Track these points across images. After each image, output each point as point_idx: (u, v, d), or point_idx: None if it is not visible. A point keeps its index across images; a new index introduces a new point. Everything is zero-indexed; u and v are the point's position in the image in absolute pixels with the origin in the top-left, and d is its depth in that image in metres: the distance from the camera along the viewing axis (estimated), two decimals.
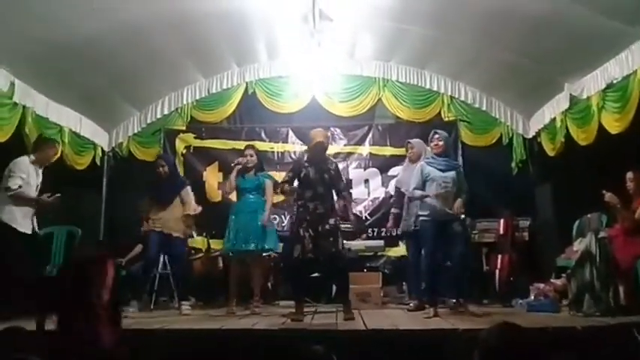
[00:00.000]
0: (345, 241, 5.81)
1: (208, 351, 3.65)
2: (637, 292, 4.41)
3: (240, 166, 5.48)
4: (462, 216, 5.05)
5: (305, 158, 5.10)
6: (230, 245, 5.36)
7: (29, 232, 5.02)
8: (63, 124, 6.33)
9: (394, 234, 7.22)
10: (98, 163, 7.27)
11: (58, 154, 5.84)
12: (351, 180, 7.52)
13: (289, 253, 4.89)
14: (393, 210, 6.13)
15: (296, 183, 4.99)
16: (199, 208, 5.69)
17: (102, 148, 7.36)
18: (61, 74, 5.74)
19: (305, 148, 7.47)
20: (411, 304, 5.38)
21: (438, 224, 4.90)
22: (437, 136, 5.14)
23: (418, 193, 5.01)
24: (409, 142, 5.89)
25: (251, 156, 5.49)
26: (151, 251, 5.52)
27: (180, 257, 5.75)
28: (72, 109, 6.48)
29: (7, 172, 4.95)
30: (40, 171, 5.22)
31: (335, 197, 4.93)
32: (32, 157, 5.15)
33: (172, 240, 5.47)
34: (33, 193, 5.05)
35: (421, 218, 5.02)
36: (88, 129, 6.96)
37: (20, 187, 4.91)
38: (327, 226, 4.69)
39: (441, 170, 5.00)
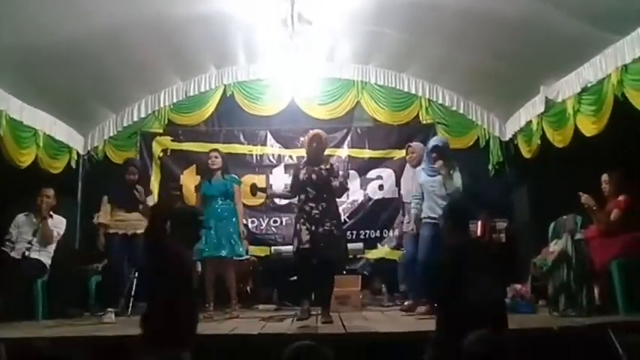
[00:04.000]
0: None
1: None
2: (611, 293, 4.48)
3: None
4: None
5: (302, 161, 5.13)
6: (200, 252, 5.26)
7: None
8: (37, 128, 6.21)
9: (372, 236, 7.29)
10: (74, 166, 7.16)
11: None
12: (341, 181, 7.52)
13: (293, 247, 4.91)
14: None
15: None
16: None
17: (77, 152, 7.25)
18: (35, 77, 5.64)
19: (283, 151, 7.56)
20: (405, 304, 5.43)
21: (429, 227, 4.99)
22: (436, 149, 5.21)
23: (412, 205, 5.25)
24: (410, 146, 5.89)
25: (216, 158, 5.44)
26: (116, 254, 5.40)
27: None
28: (47, 112, 6.37)
29: None
30: None
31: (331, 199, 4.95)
32: None
33: (137, 238, 5.39)
34: None
35: (424, 221, 5.12)
36: (63, 132, 6.85)
37: None
38: (321, 230, 4.69)
39: (429, 175, 5.14)
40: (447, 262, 3.30)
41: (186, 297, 3.04)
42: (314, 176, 4.80)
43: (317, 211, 4.71)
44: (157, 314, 2.93)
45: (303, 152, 6.11)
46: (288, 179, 6.25)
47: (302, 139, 6.96)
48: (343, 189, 5.03)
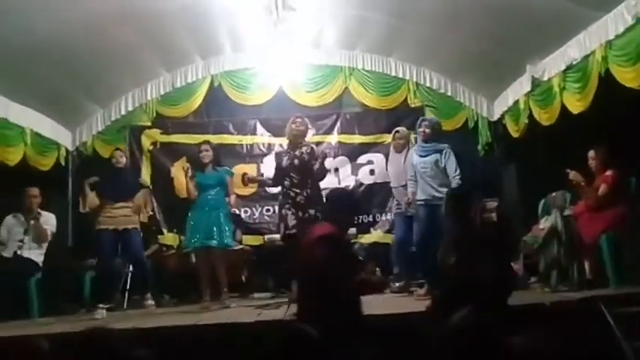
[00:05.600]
0: None
1: (184, 347, 3.63)
2: (601, 267, 4.55)
3: (191, 173, 5.43)
4: None
5: (284, 148, 5.14)
6: (189, 241, 5.30)
7: None
8: (24, 125, 6.17)
9: (365, 221, 7.31)
10: (63, 163, 7.12)
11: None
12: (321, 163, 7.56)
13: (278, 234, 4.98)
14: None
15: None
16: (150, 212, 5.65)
17: (66, 148, 7.21)
18: (20, 74, 5.59)
19: (273, 140, 7.54)
20: (397, 285, 5.47)
21: (425, 208, 5.02)
22: (425, 122, 5.28)
23: (410, 189, 5.21)
24: (397, 132, 5.92)
25: (206, 151, 5.43)
26: (106, 251, 5.41)
27: (140, 247, 5.67)
28: (33, 109, 6.32)
29: None
30: None
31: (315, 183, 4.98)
32: None
33: (128, 233, 5.37)
34: None
35: (418, 203, 5.13)
36: (51, 129, 6.80)
37: None
38: (306, 215, 4.74)
39: (421, 156, 5.14)
40: (453, 245, 3.37)
41: None
42: (296, 161, 4.84)
43: (302, 197, 4.75)
44: None
45: None
46: None
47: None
48: (323, 171, 5.04)
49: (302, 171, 4.81)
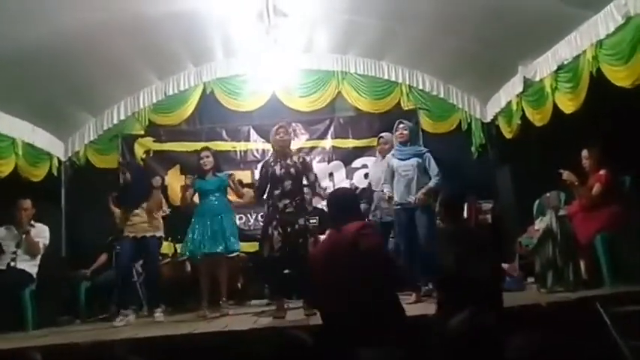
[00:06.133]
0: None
1: (182, 356, 3.61)
2: (597, 267, 4.54)
3: (190, 181, 5.43)
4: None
5: (270, 157, 5.06)
6: (193, 248, 5.25)
7: None
8: (15, 136, 6.15)
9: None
10: (55, 173, 7.09)
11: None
12: (315, 174, 7.53)
13: (261, 253, 4.85)
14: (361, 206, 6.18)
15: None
16: (167, 210, 5.64)
17: (58, 158, 7.19)
18: (9, 85, 5.57)
19: (267, 146, 7.51)
20: None
21: (405, 212, 4.99)
22: (402, 125, 5.22)
23: (386, 189, 5.12)
24: (382, 137, 5.90)
25: (207, 157, 5.40)
26: (125, 260, 5.37)
27: (155, 257, 5.62)
28: (24, 119, 6.30)
29: None
30: None
31: (306, 191, 4.92)
32: None
33: (146, 241, 5.36)
34: None
35: (395, 207, 5.09)
36: (43, 139, 6.77)
37: None
38: (296, 227, 4.66)
39: (401, 159, 5.09)
40: (446, 248, 3.37)
41: None
42: (292, 170, 4.76)
43: (292, 207, 4.67)
44: None
45: None
46: None
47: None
48: (315, 186, 4.97)
49: (294, 181, 4.75)
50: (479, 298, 2.91)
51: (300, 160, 4.92)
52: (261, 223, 7.27)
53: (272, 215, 4.74)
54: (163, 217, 5.61)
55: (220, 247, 5.16)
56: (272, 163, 4.86)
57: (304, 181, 4.88)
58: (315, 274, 3.27)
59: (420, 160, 5.07)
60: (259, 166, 6.15)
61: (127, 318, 5.08)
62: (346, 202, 3.53)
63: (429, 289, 4.92)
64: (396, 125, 5.27)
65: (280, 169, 4.77)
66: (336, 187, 7.40)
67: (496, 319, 2.57)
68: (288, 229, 4.64)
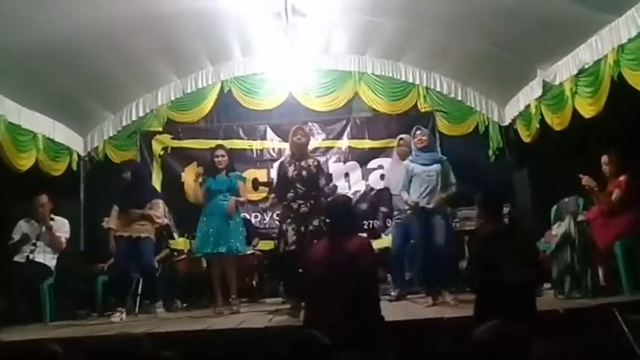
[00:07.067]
0: None
1: (195, 352, 3.63)
2: (615, 274, 4.50)
3: (201, 179, 5.47)
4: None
5: (285, 157, 5.08)
6: (199, 247, 5.30)
7: None
8: (36, 131, 6.22)
9: (376, 226, 7.28)
10: (74, 168, 7.17)
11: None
12: (331, 174, 7.55)
13: (277, 251, 4.88)
14: (381, 209, 6.20)
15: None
16: (165, 221, 5.67)
17: (78, 153, 7.27)
18: (32, 80, 5.64)
19: (283, 145, 7.53)
20: (392, 294, 5.44)
21: (423, 217, 4.95)
22: (419, 131, 5.20)
23: (405, 196, 5.07)
24: (401, 138, 5.86)
25: (222, 156, 5.42)
26: (122, 256, 5.43)
27: (151, 258, 5.67)
28: (45, 114, 6.38)
29: None
30: None
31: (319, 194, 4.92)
32: None
33: (140, 241, 5.40)
34: None
35: (409, 212, 5.07)
36: (63, 134, 6.86)
37: None
38: (311, 227, 4.66)
39: (424, 165, 5.06)
40: (482, 251, 3.37)
41: None
42: (304, 172, 4.76)
43: (305, 208, 4.67)
44: None
45: None
46: None
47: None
48: (331, 190, 5.00)
49: (308, 183, 4.75)
50: (516, 304, 2.94)
51: (315, 163, 4.93)
52: (277, 222, 7.37)
53: (286, 214, 4.76)
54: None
55: (224, 248, 5.17)
56: (287, 164, 4.87)
57: (319, 183, 4.87)
58: (310, 276, 3.40)
59: (441, 167, 5.06)
60: (275, 166, 6.20)
61: (122, 314, 5.17)
62: (343, 211, 3.57)
63: (444, 292, 4.91)
64: (413, 131, 5.24)
65: (294, 171, 4.78)
66: (351, 187, 7.53)
67: (529, 327, 2.56)
68: (302, 229, 4.65)
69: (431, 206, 4.93)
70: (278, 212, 7.24)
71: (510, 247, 3.30)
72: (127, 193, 5.51)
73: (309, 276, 3.49)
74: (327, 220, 3.71)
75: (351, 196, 6.89)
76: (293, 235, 4.63)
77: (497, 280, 3.10)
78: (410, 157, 5.25)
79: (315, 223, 4.68)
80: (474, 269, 3.47)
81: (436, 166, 5.05)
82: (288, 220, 4.69)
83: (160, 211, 5.56)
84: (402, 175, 5.16)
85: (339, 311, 3.05)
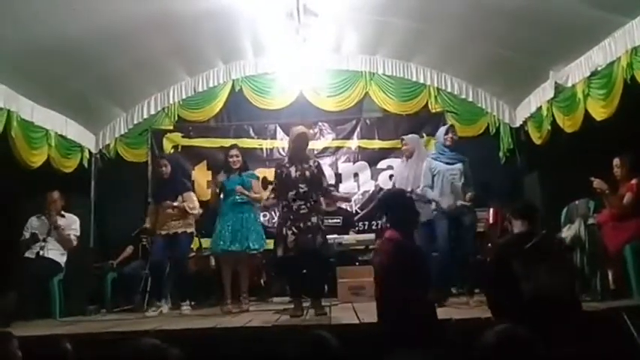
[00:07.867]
0: (336, 236, 5.75)
1: (204, 350, 3.64)
2: (625, 277, 4.46)
3: (218, 188, 5.50)
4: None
5: (285, 158, 5.05)
6: (216, 246, 5.33)
7: None
8: (49, 128, 6.28)
9: (383, 227, 7.25)
10: (86, 165, 7.22)
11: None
12: (340, 174, 7.55)
13: (275, 253, 4.86)
14: None
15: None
16: (199, 210, 5.71)
17: (89, 151, 7.32)
18: (45, 77, 5.69)
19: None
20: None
21: (450, 217, 4.92)
22: (451, 129, 5.21)
23: (430, 194, 5.00)
24: (403, 139, 5.84)
25: (237, 156, 5.45)
26: (156, 256, 5.50)
27: (186, 253, 5.76)
28: (57, 111, 6.43)
29: None
30: None
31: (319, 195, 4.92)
32: None
33: (177, 237, 5.46)
34: None
35: (434, 212, 4.99)
36: (75, 131, 6.91)
37: None
38: (308, 224, 4.63)
39: (448, 164, 5.02)
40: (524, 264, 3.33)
41: None
42: (307, 173, 4.74)
43: (305, 207, 4.65)
44: None
45: (312, 145, 6.10)
46: None
47: (311, 131, 6.89)
48: (328, 194, 5.02)
49: (310, 184, 4.75)
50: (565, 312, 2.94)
51: (315, 164, 4.91)
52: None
53: (286, 216, 4.71)
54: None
55: (239, 246, 5.21)
56: (287, 165, 4.84)
57: (320, 185, 4.86)
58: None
59: (463, 166, 5.04)
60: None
61: (160, 309, 5.32)
62: (407, 203, 3.57)
63: (464, 293, 4.93)
64: (445, 129, 5.21)
65: (295, 172, 4.75)
66: (360, 187, 7.52)
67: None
68: (301, 226, 4.62)
69: (460, 205, 4.91)
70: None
71: (550, 255, 3.25)
72: (161, 188, 5.63)
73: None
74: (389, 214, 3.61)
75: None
76: (292, 240, 4.58)
77: (544, 290, 3.07)
78: (432, 155, 5.24)
79: (314, 220, 4.64)
80: (508, 284, 3.24)
81: (459, 165, 5.03)
82: (288, 223, 4.65)
83: (193, 202, 5.60)
84: (426, 173, 5.09)
85: (415, 308, 3.04)
